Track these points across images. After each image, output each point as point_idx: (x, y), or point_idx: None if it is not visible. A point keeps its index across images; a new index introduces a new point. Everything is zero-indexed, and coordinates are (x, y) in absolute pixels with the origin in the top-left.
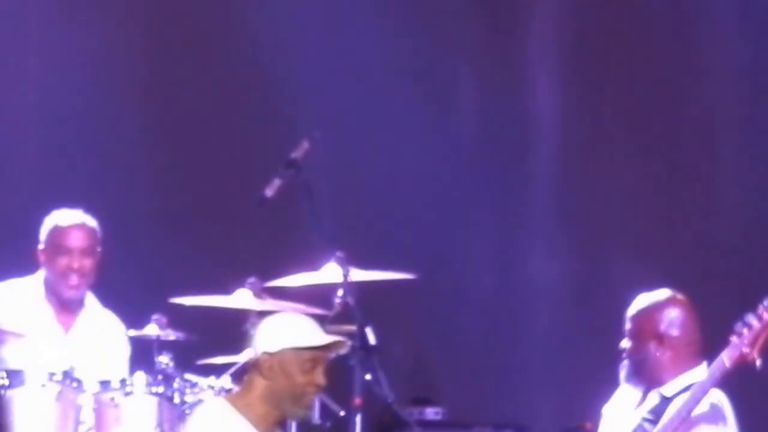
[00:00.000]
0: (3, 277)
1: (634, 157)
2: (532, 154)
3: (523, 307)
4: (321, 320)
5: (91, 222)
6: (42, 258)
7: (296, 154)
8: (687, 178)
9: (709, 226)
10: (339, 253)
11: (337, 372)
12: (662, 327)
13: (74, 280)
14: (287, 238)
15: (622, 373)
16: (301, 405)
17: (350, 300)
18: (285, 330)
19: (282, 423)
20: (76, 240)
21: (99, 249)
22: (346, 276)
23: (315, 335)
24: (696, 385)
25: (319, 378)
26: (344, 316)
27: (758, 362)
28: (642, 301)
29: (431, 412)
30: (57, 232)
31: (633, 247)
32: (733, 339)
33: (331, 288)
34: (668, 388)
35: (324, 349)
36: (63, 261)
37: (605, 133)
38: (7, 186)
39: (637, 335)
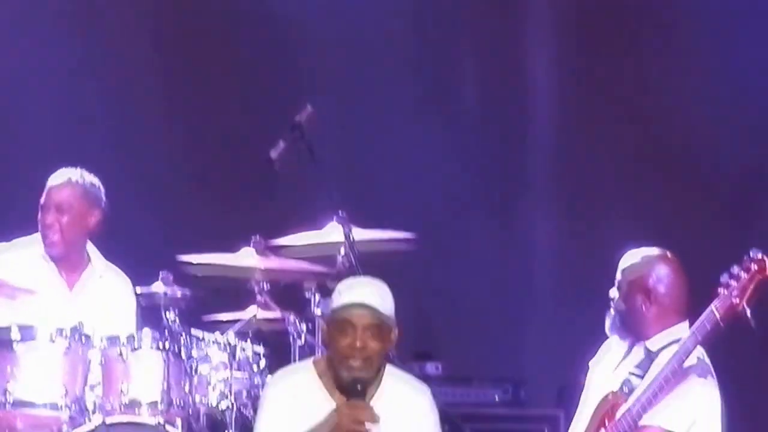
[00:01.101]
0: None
1: (627, 124)
2: (530, 122)
3: (521, 266)
4: (323, 278)
5: (81, 180)
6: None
7: (300, 117)
8: (678, 145)
9: (700, 188)
10: (341, 213)
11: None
12: (650, 282)
13: (49, 236)
14: (291, 198)
15: (608, 322)
16: (342, 368)
17: (352, 258)
18: (334, 295)
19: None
20: (56, 196)
21: (88, 208)
22: (348, 235)
23: (345, 296)
24: (686, 337)
25: (354, 341)
26: (346, 274)
27: (749, 313)
28: (633, 255)
29: (432, 367)
30: (46, 189)
31: (626, 210)
32: (722, 291)
33: (333, 247)
34: (653, 343)
35: (359, 312)
36: (42, 215)
37: (599, 103)
38: (22, 147)
39: (625, 287)
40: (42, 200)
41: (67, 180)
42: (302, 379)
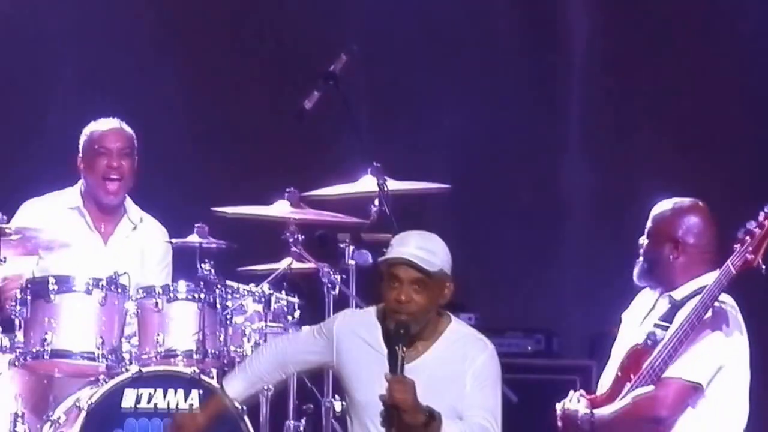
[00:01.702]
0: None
1: (662, 73)
2: (565, 72)
3: (554, 216)
4: (357, 230)
5: (128, 127)
6: (81, 165)
7: (335, 67)
8: (714, 94)
9: (734, 139)
10: (375, 164)
11: (372, 277)
12: (680, 232)
13: (113, 184)
14: (325, 149)
15: (636, 269)
16: (389, 319)
17: (386, 210)
18: (389, 247)
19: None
20: (114, 141)
21: (136, 156)
22: (382, 186)
23: (394, 250)
24: (705, 292)
25: (399, 294)
26: (380, 225)
27: (763, 268)
28: (665, 204)
29: (464, 318)
30: (95, 137)
31: (660, 160)
32: (737, 246)
33: (367, 198)
34: (678, 293)
35: (405, 267)
36: (102, 162)
37: (634, 51)
38: (53, 102)
39: (654, 235)
40: (98, 145)
41: (119, 126)
42: (364, 319)
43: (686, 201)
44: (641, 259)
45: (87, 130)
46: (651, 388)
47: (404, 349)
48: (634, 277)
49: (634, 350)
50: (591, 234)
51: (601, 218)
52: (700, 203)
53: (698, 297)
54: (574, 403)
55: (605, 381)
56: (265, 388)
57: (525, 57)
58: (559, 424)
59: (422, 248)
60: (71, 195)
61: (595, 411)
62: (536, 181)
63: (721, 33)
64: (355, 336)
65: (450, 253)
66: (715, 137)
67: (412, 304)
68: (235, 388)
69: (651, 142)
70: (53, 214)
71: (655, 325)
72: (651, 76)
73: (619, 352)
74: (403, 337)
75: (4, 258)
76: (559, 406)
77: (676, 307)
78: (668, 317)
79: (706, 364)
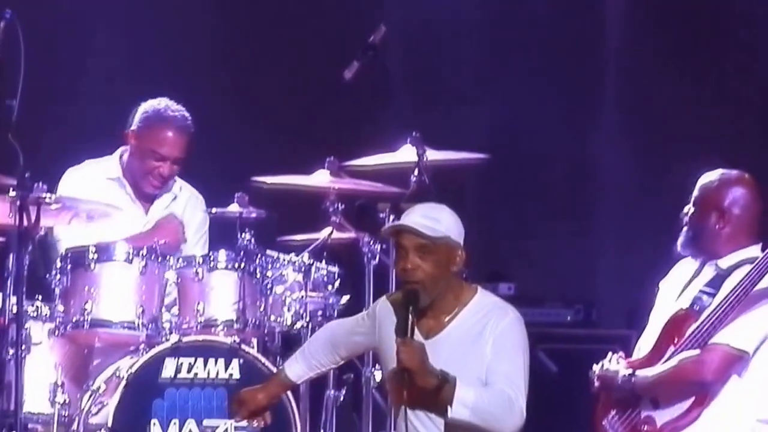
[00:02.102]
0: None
1: (702, 46)
2: (601, 51)
3: (593, 186)
4: (397, 199)
5: (190, 125)
6: (132, 141)
7: (374, 37)
8: (757, 68)
9: None
10: (415, 134)
11: None
12: (726, 203)
13: (157, 182)
14: (365, 119)
15: (680, 238)
16: (402, 290)
17: (425, 179)
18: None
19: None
20: (172, 149)
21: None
22: (421, 156)
23: (399, 221)
24: (760, 259)
25: (405, 263)
26: (419, 195)
27: None
28: (712, 174)
29: (504, 287)
30: (155, 134)
31: (699, 132)
32: None
33: (407, 168)
34: (723, 262)
35: (408, 235)
36: (154, 164)
37: (669, 29)
38: (94, 69)
39: (701, 205)
40: (156, 147)
41: (183, 127)
42: (386, 307)
43: (733, 172)
44: (686, 227)
45: (150, 113)
46: (696, 352)
47: (414, 313)
48: (678, 246)
49: (677, 315)
50: (629, 205)
51: (639, 190)
52: (746, 176)
53: (749, 265)
54: (614, 364)
55: (643, 346)
56: (322, 371)
57: (563, 34)
58: (596, 384)
59: (426, 216)
60: (111, 165)
61: (637, 372)
62: (575, 153)
63: (759, 14)
64: (391, 315)
65: (462, 224)
66: (751, 116)
67: (419, 272)
68: (296, 371)
69: (691, 112)
70: (95, 183)
71: (702, 291)
72: (687, 54)
73: (657, 319)
74: (413, 302)
75: (43, 228)
76: (596, 367)
77: (722, 275)
78: (715, 285)
79: (754, 333)
